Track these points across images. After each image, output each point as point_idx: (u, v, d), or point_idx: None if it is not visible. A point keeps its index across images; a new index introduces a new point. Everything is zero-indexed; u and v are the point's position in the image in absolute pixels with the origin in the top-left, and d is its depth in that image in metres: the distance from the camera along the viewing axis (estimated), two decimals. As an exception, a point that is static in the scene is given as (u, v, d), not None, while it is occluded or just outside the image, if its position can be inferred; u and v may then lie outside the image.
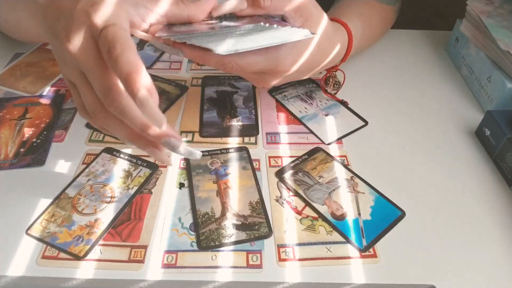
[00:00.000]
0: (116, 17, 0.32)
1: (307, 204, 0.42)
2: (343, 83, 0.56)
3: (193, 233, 0.39)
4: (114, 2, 0.33)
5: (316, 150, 0.48)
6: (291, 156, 0.47)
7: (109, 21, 0.32)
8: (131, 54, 0.29)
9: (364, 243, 0.39)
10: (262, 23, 0.40)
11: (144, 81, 0.29)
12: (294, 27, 0.42)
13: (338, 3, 0.61)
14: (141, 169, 0.45)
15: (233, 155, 0.47)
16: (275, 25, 0.40)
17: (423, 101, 0.57)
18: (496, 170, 0.47)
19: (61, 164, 0.45)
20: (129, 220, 0.40)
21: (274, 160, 0.47)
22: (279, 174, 0.45)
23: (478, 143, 0.50)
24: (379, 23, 0.61)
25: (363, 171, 0.46)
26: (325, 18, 0.46)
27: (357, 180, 0.45)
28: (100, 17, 0.32)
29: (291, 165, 0.46)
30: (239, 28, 0.40)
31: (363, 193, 0.44)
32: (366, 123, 0.52)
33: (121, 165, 0.45)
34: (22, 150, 0.46)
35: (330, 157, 0.47)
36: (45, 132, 0.49)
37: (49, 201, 0.41)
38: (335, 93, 0.56)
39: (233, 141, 0.49)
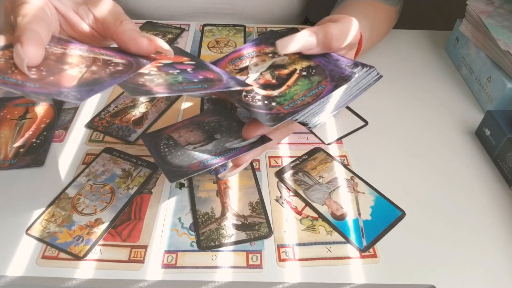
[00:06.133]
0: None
1: (307, 204, 0.42)
2: None
3: (193, 233, 0.39)
4: None
5: (316, 150, 0.48)
6: (291, 156, 0.47)
7: (17, 1, 0.33)
8: (23, 19, 0.31)
9: (364, 243, 0.39)
10: (342, 88, 0.38)
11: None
12: (352, 65, 0.40)
13: (341, 3, 0.61)
14: (141, 169, 0.45)
15: (233, 155, 0.47)
16: (345, 84, 0.38)
17: (423, 101, 0.57)
18: (496, 170, 0.47)
19: (61, 164, 0.45)
20: (129, 220, 0.40)
21: (274, 160, 0.47)
22: (279, 174, 0.45)
23: (478, 143, 0.50)
24: (383, 24, 0.61)
25: (363, 171, 0.46)
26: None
27: (357, 180, 0.45)
28: (9, 1, 0.34)
29: (291, 165, 0.46)
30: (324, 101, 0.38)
31: (363, 193, 0.44)
32: (366, 123, 0.52)
33: (121, 165, 0.45)
34: (21, 150, 0.46)
35: (330, 157, 0.47)
36: (45, 133, 0.49)
37: (49, 201, 0.41)
38: None
39: (233, 141, 0.49)
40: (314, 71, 0.39)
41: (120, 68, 0.34)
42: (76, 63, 0.33)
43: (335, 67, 0.40)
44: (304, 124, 0.37)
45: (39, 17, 0.32)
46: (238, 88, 0.36)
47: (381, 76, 0.41)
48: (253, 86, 0.37)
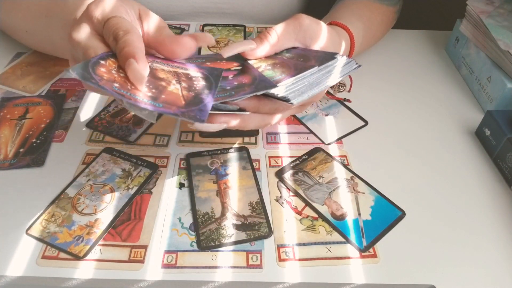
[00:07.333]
0: (115, 11, 0.37)
1: (307, 204, 0.42)
2: (351, 86, 0.56)
3: (193, 233, 0.39)
4: (112, 1, 0.38)
5: (316, 150, 0.48)
6: (291, 156, 0.47)
7: (109, 15, 0.36)
8: (131, 36, 0.34)
9: (364, 243, 0.39)
10: (316, 67, 0.40)
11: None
12: (327, 55, 0.42)
13: (338, 4, 0.61)
14: (141, 169, 0.45)
15: (233, 155, 0.47)
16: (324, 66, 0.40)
17: (423, 101, 0.57)
18: (496, 170, 0.47)
19: (61, 164, 0.45)
20: (129, 220, 0.40)
21: (274, 160, 0.47)
22: (279, 174, 0.45)
23: (478, 143, 0.50)
24: (380, 25, 0.61)
25: (363, 171, 0.46)
26: (324, 26, 0.46)
27: (357, 180, 0.45)
28: (99, 12, 0.37)
29: (291, 165, 0.46)
30: (304, 79, 0.39)
31: (363, 193, 0.44)
32: (366, 123, 0.52)
33: (121, 165, 0.45)
34: (21, 150, 0.46)
35: (330, 157, 0.47)
36: (45, 133, 0.49)
37: (49, 201, 0.41)
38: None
39: (233, 141, 0.49)
40: (278, 65, 0.41)
41: (204, 83, 0.37)
42: (167, 78, 0.36)
43: (316, 54, 0.42)
44: (285, 100, 0.38)
45: (137, 34, 0.36)
46: (261, 92, 0.37)
47: (359, 66, 0.42)
48: (279, 86, 0.38)
